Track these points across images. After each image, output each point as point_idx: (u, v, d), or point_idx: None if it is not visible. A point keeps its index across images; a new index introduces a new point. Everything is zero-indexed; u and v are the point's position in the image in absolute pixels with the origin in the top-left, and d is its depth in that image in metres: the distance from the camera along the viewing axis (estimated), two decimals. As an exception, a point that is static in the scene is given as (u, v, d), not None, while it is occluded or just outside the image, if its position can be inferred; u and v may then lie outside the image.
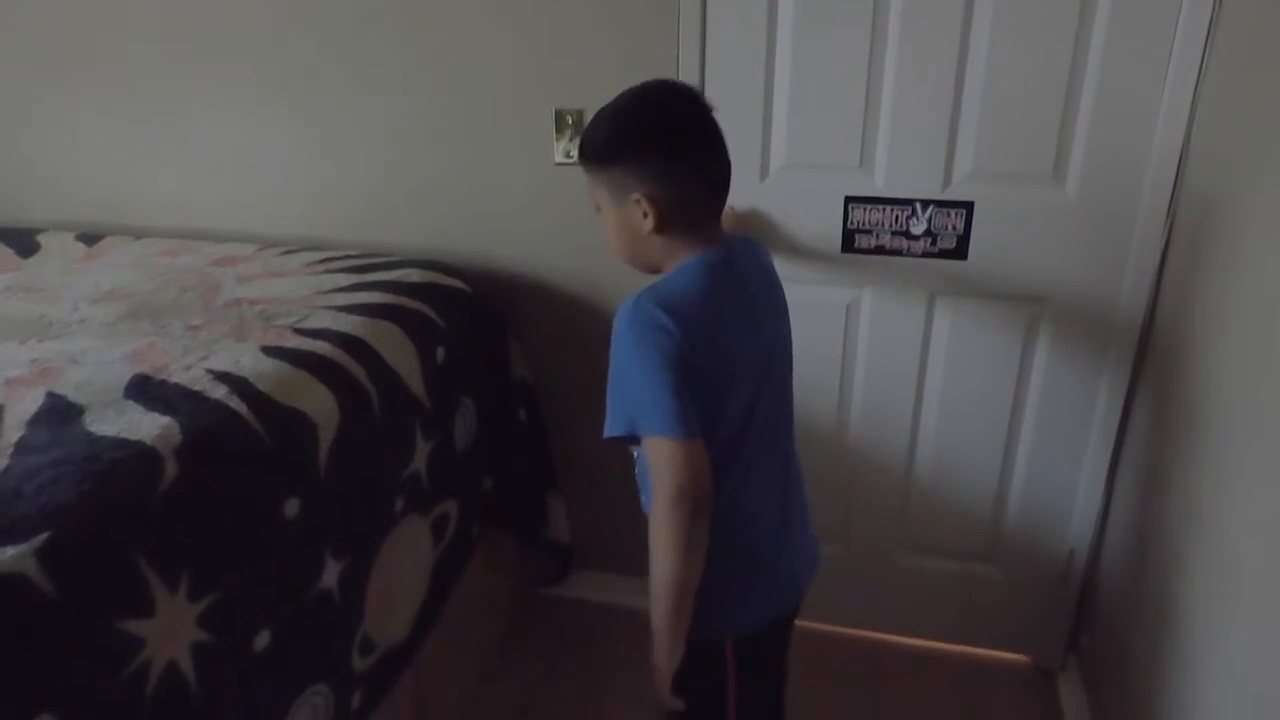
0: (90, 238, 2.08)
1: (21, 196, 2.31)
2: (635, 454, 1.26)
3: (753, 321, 1.20)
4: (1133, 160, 1.65)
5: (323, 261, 1.88)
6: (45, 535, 0.98)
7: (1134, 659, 1.63)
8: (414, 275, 1.80)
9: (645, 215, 1.14)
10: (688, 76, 1.77)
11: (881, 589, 2.10)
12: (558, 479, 2.08)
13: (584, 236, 1.95)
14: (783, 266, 1.86)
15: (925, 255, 1.81)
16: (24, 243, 2.05)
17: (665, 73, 1.78)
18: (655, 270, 1.22)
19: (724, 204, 1.22)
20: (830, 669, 2.05)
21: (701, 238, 1.18)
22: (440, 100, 1.93)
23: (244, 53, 2.01)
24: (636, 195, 1.13)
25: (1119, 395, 1.80)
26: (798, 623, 2.17)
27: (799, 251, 1.87)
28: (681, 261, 1.17)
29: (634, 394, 1.11)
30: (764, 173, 1.83)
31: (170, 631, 1.08)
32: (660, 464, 1.08)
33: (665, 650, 1.18)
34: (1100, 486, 1.87)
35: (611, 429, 1.14)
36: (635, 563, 2.19)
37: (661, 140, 1.14)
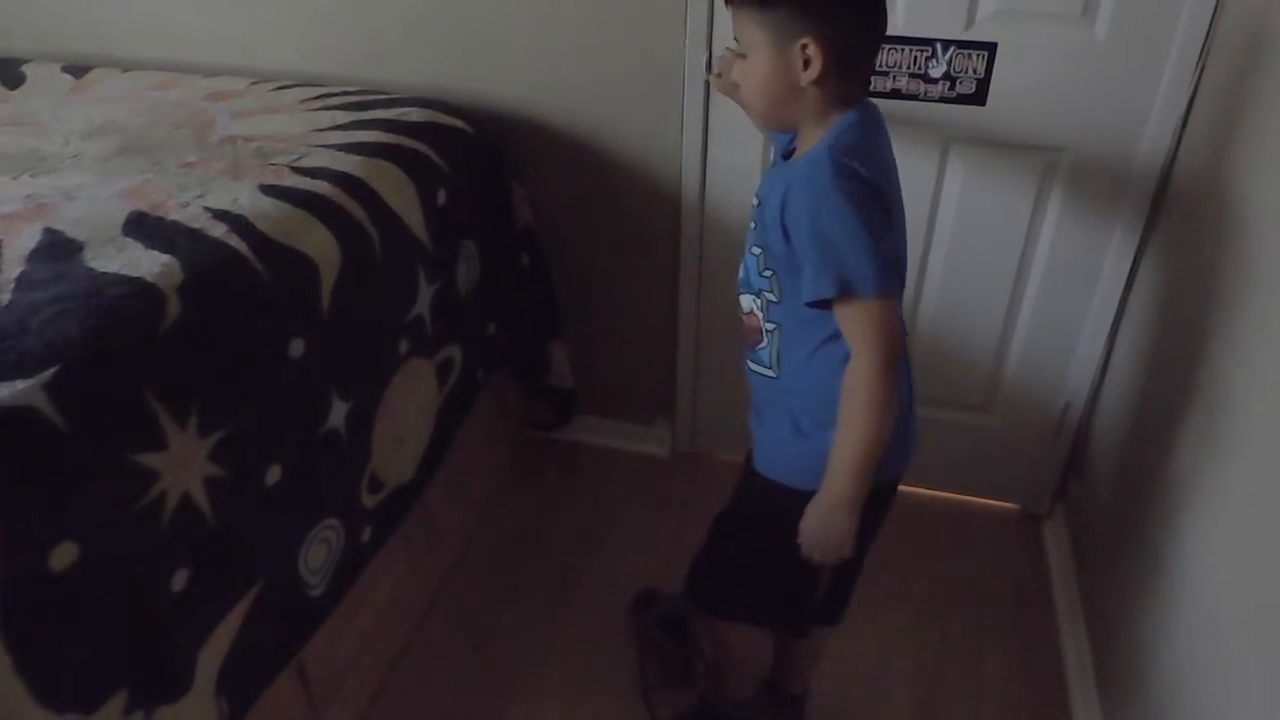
0: (77, 69, 2.00)
1: (3, 23, 2.20)
2: (762, 342, 1.24)
3: (897, 178, 1.19)
4: (1169, -3, 1.56)
5: (318, 98, 1.82)
6: (54, 369, 0.99)
7: (1118, 507, 1.69)
8: (413, 114, 1.74)
9: (808, 64, 1.06)
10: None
11: (877, 437, 2.15)
12: (561, 324, 2.09)
13: (590, 74, 1.87)
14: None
15: (942, 100, 1.74)
16: (9, 73, 1.97)
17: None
18: (789, 128, 1.18)
19: (874, 64, 1.21)
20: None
21: (856, 94, 1.13)
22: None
23: None
24: (805, 39, 1.05)
25: (1128, 251, 1.77)
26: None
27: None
28: (831, 120, 1.11)
29: (847, 253, 1.05)
30: (778, 8, 1.74)
31: (182, 464, 1.11)
32: (871, 326, 1.07)
33: (850, 508, 1.14)
34: (1101, 342, 1.88)
35: (820, 291, 1.07)
36: (636, 408, 2.25)
37: None
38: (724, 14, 1.74)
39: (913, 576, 1.96)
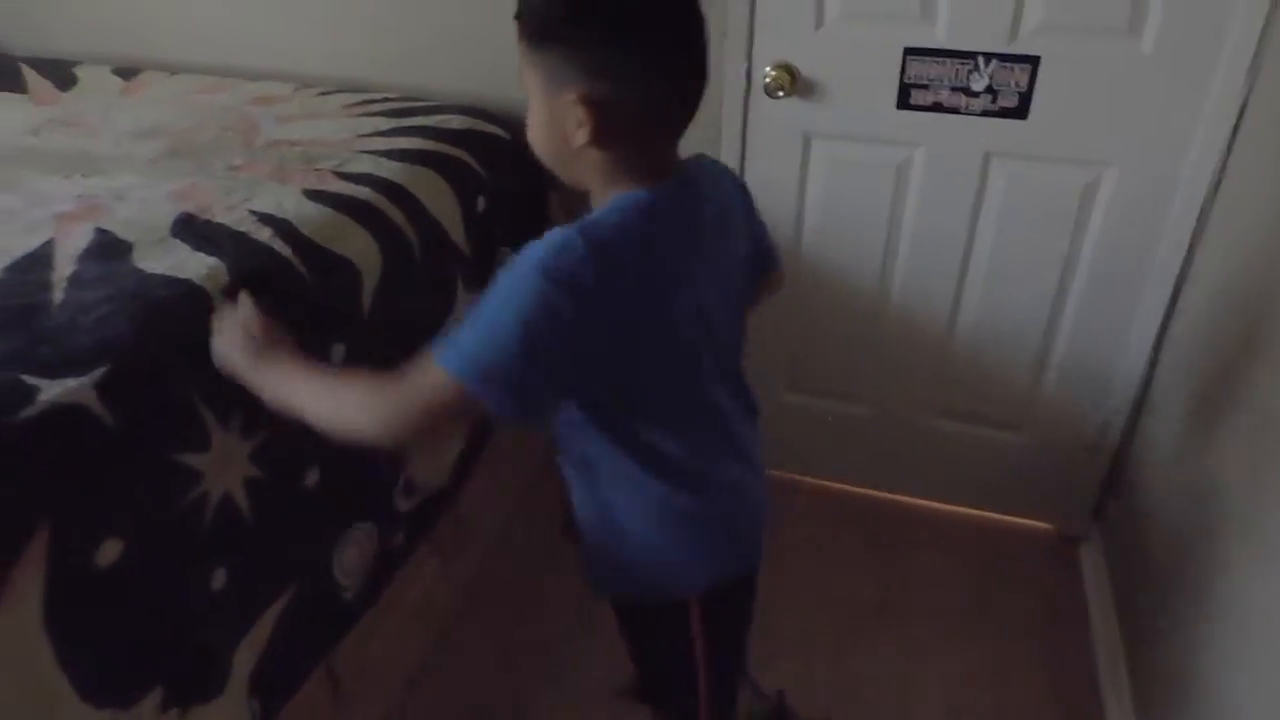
0: (127, 72, 2.04)
1: (54, 26, 2.25)
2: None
3: (701, 277, 0.96)
4: (1217, 8, 1.53)
5: (361, 104, 1.84)
6: (103, 368, 1.01)
7: (1161, 531, 1.66)
8: (454, 121, 1.75)
9: (580, 123, 0.86)
10: (743, -91, 1.65)
11: (908, 452, 2.13)
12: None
13: (628, 85, 1.88)
14: (835, 124, 1.80)
15: (984, 113, 1.73)
16: (61, 75, 2.01)
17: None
18: (581, 189, 0.97)
19: (685, 129, 0.94)
20: (851, 530, 2.10)
21: (650, 167, 0.91)
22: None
23: None
24: (573, 93, 0.85)
25: (1173, 268, 1.74)
26: (823, 483, 2.23)
27: (851, 108, 1.79)
28: (617, 193, 0.91)
29: (478, 327, 0.86)
30: (819, 21, 1.73)
31: (225, 465, 1.13)
32: (422, 391, 0.88)
33: (246, 372, 1.02)
34: (1143, 360, 1.84)
35: (435, 350, 0.88)
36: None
37: (619, 23, 0.84)
38: (766, 26, 1.75)
39: (943, 595, 1.94)
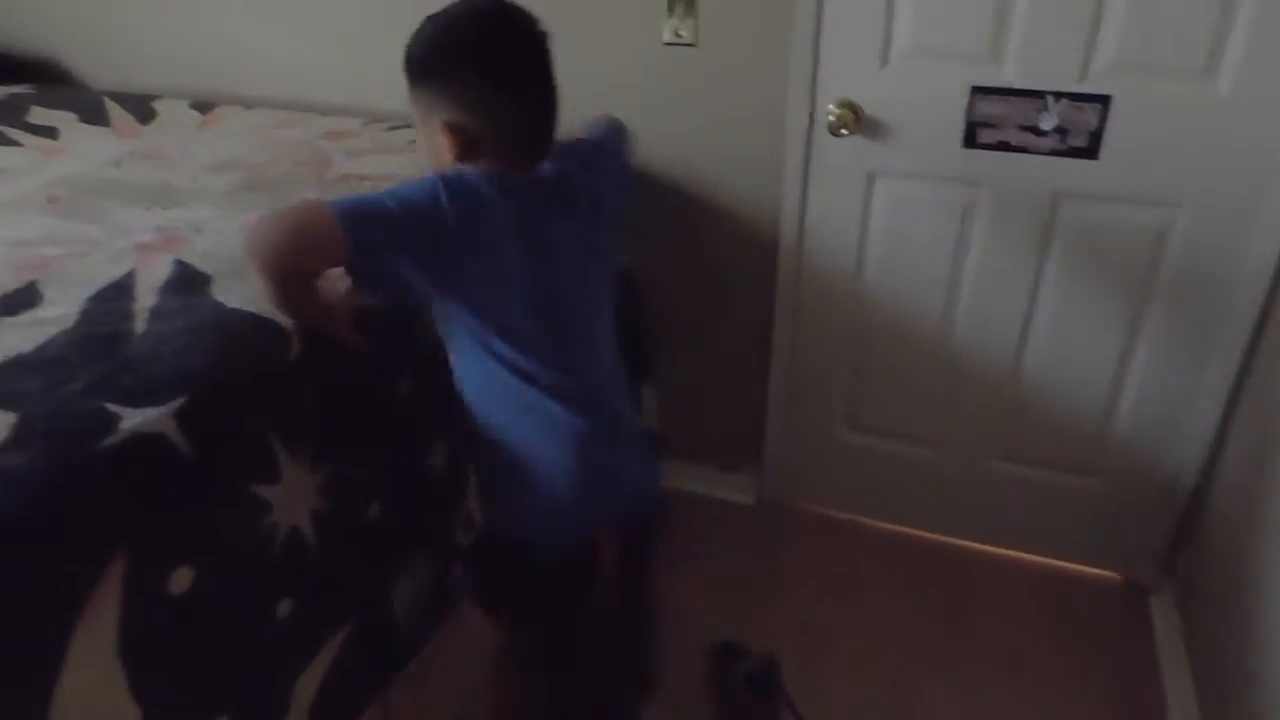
0: (204, 106, 2.11)
1: (134, 61, 2.34)
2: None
3: (551, 249, 1.15)
4: (1301, 54, 1.49)
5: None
6: (182, 399, 1.03)
7: (1237, 585, 1.59)
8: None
9: (447, 147, 1.08)
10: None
11: (970, 495, 2.08)
12: (652, 368, 2.08)
13: (689, 123, 1.89)
14: (899, 162, 1.79)
15: (1053, 153, 1.70)
16: (142, 109, 2.09)
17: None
18: None
19: (546, 150, 1.15)
20: (909, 573, 2.06)
21: (519, 170, 1.13)
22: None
23: None
24: (439, 122, 1.07)
25: (1250, 314, 1.69)
26: (882, 525, 2.19)
27: (916, 147, 1.77)
28: None
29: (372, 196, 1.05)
30: (884, 60, 1.73)
31: (293, 497, 1.14)
32: (299, 218, 1.04)
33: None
34: (1219, 406, 1.78)
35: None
36: (722, 454, 2.22)
37: (475, 64, 1.07)
38: (830, 64, 1.75)
39: (1004, 643, 1.88)
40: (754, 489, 2.24)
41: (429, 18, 1.10)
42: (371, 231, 1.01)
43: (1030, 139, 1.71)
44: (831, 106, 1.76)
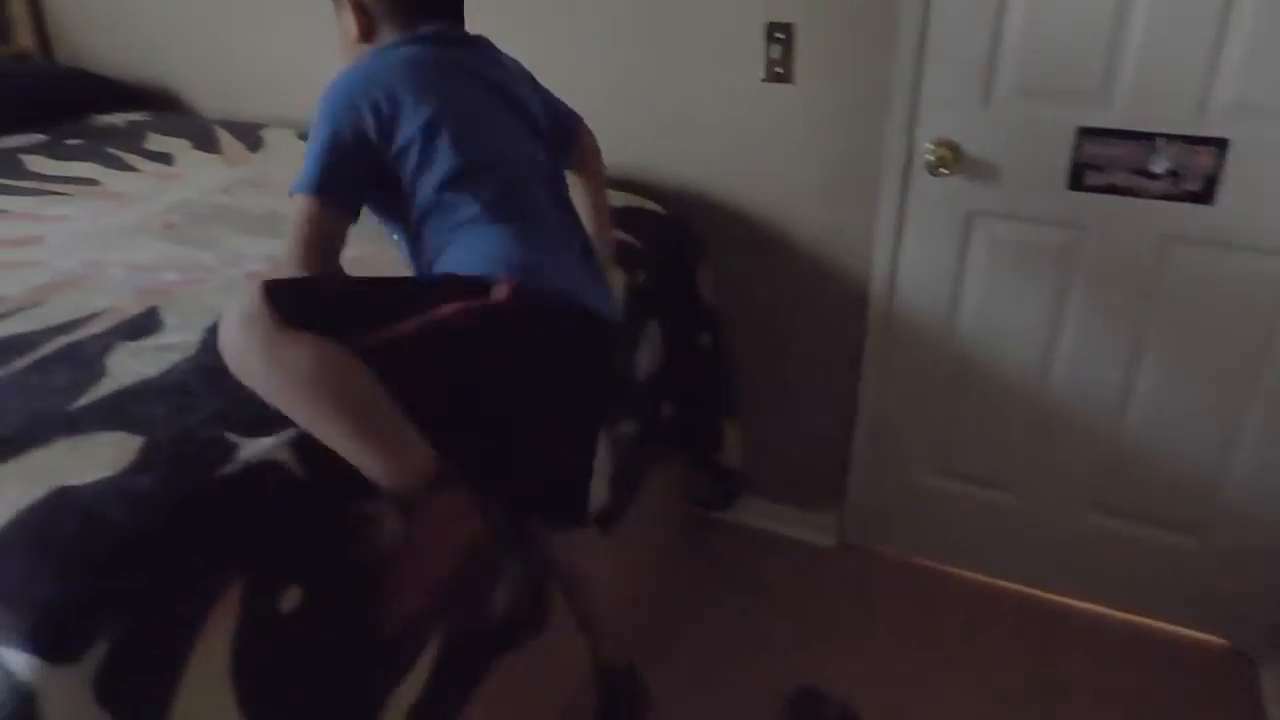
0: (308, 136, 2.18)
1: (244, 91, 2.43)
2: (395, 237, 1.30)
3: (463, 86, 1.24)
4: None
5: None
6: (296, 429, 1.06)
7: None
8: (614, 200, 1.78)
9: (351, 15, 1.23)
10: (913, -13, 1.65)
11: (1063, 548, 2.00)
12: (736, 405, 2.07)
13: (783, 159, 1.88)
14: (999, 203, 1.75)
15: (1164, 197, 1.64)
16: (251, 137, 2.17)
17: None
18: None
19: (445, 11, 1.27)
20: (996, 627, 1.98)
21: (411, 33, 1.23)
22: (638, 6, 1.88)
23: None
24: (346, 4, 1.23)
25: (1380, 369, 1.60)
26: (967, 573, 2.12)
27: (1018, 187, 1.73)
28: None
29: (306, 158, 1.17)
30: (986, 98, 1.70)
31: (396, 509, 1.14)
32: (293, 221, 1.14)
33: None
34: (1341, 467, 1.69)
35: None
36: (804, 494, 2.19)
37: None
38: (930, 102, 1.72)
39: (1096, 706, 1.79)
40: (835, 530, 2.20)
41: None
42: (338, 183, 1.15)
43: (1140, 182, 1.65)
44: (930, 145, 1.74)
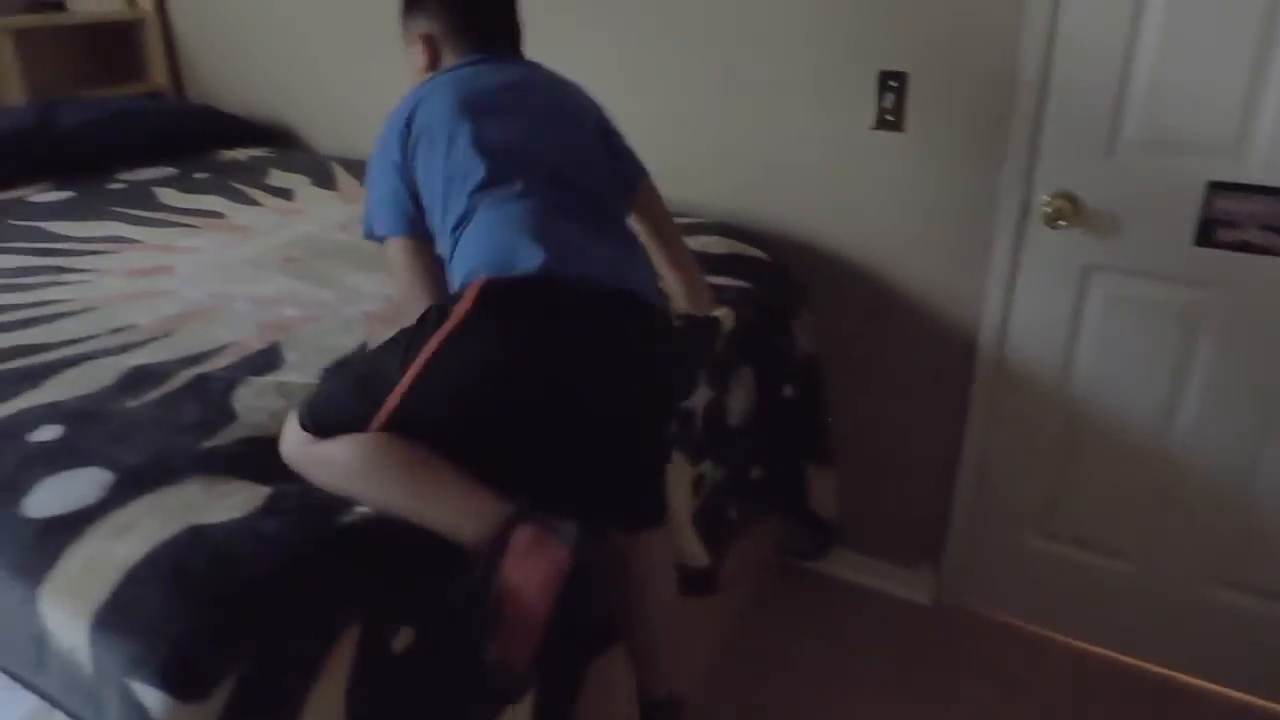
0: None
1: (356, 128, 2.52)
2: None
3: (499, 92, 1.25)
4: None
5: (628, 217, 1.92)
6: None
7: None
8: (718, 246, 1.79)
9: (420, 54, 1.31)
10: (1033, 33, 1.61)
11: (1178, 620, 1.89)
12: (831, 454, 2.03)
13: (891, 207, 1.85)
14: (1120, 258, 1.68)
15: (1305, 257, 1.55)
16: (364, 174, 2.24)
17: (1005, 33, 1.63)
18: None
19: (501, 35, 1.33)
20: (1104, 701, 1.88)
21: (467, 58, 1.30)
22: (749, 52, 1.88)
23: None
24: (415, 36, 1.31)
25: None
26: (1070, 641, 2.02)
27: (1141, 242, 1.66)
28: None
29: (368, 197, 1.27)
30: (1110, 149, 1.64)
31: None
32: (392, 265, 1.24)
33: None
34: None
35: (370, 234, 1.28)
36: (900, 549, 2.12)
37: None
38: (1050, 151, 1.67)
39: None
40: (931, 588, 2.12)
41: None
42: (405, 213, 1.23)
43: (1276, 240, 1.57)
44: (1047, 196, 1.68)
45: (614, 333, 1.15)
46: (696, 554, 1.55)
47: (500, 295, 1.08)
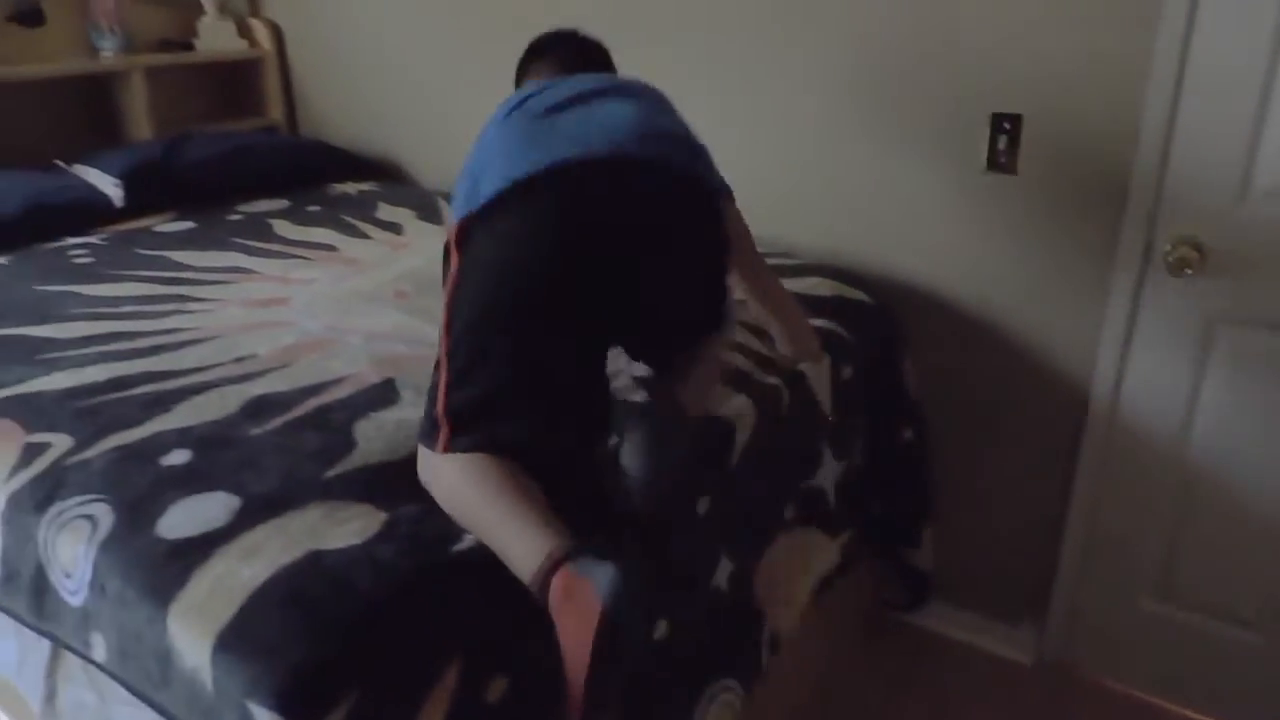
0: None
1: (460, 164, 2.58)
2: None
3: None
4: None
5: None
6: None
7: None
8: (822, 288, 1.77)
9: None
10: (1160, 74, 1.56)
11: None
12: (932, 502, 1.97)
13: (1003, 252, 1.81)
14: (1250, 310, 1.61)
15: None
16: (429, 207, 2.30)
17: (1130, 74, 1.58)
18: None
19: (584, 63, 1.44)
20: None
21: None
22: (857, 92, 1.87)
23: (653, 35, 2.08)
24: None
25: None
26: (1183, 711, 1.90)
27: (1273, 293, 1.58)
28: None
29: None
30: (1242, 194, 1.57)
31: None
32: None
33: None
34: None
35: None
36: (1000, 604, 2.04)
37: (531, 52, 1.49)
38: (1175, 196, 1.61)
39: None
40: (1033, 647, 2.03)
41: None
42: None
43: None
44: (1171, 243, 1.62)
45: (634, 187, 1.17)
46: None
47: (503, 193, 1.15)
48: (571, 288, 1.12)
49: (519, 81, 1.50)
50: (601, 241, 1.14)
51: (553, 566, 0.97)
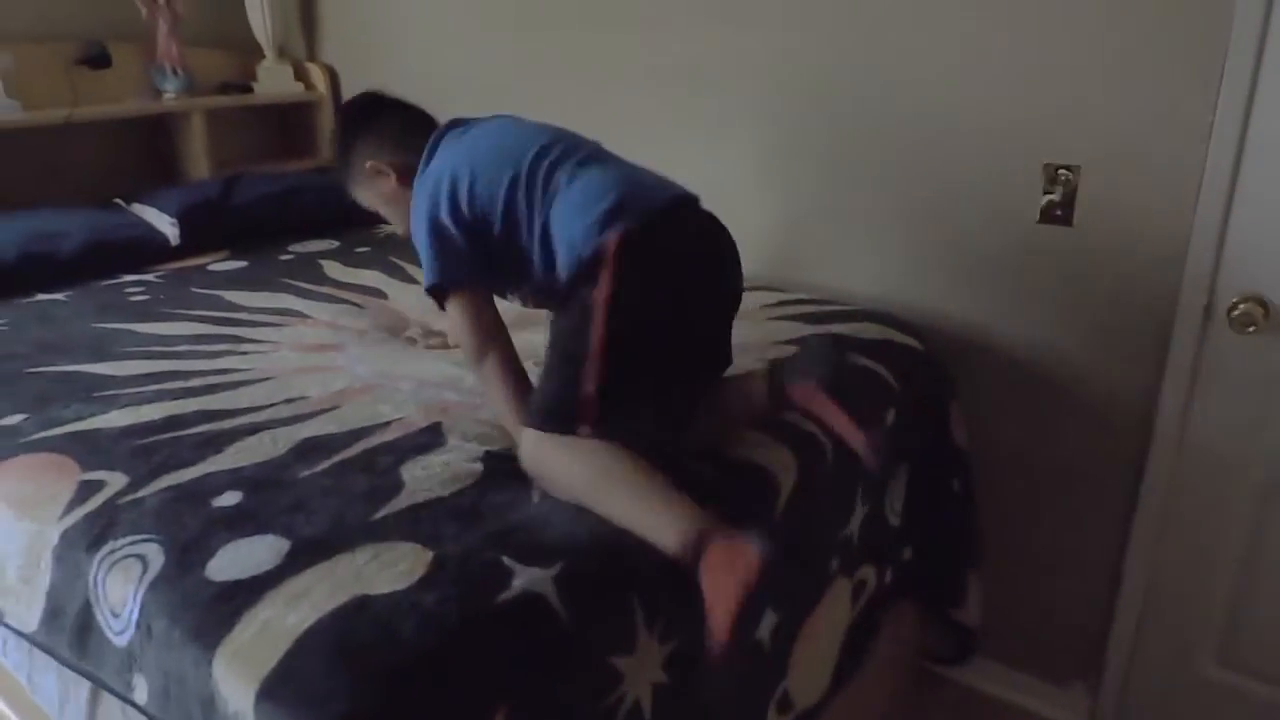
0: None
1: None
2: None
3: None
4: None
5: (778, 305, 1.90)
6: (561, 563, 1.07)
7: None
8: (869, 330, 1.75)
9: (384, 174, 1.42)
10: (1225, 134, 1.53)
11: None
12: (979, 555, 1.92)
13: (1056, 305, 1.78)
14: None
15: None
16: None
17: (1192, 130, 1.56)
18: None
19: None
20: None
21: (422, 150, 1.41)
22: (908, 142, 1.86)
23: (693, 80, 2.10)
24: (366, 166, 1.42)
25: None
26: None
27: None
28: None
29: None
30: (1301, 255, 1.53)
31: (642, 669, 1.13)
32: (459, 321, 1.37)
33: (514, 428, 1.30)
34: None
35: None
36: (1049, 663, 1.98)
37: (358, 119, 1.46)
38: (1238, 250, 1.57)
39: None
40: (1084, 710, 1.96)
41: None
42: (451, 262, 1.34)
43: None
44: (1235, 299, 1.58)
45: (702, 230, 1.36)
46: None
47: (634, 237, 1.24)
48: (708, 307, 1.36)
49: (355, 144, 1.46)
50: (716, 270, 1.36)
51: (703, 535, 1.09)
